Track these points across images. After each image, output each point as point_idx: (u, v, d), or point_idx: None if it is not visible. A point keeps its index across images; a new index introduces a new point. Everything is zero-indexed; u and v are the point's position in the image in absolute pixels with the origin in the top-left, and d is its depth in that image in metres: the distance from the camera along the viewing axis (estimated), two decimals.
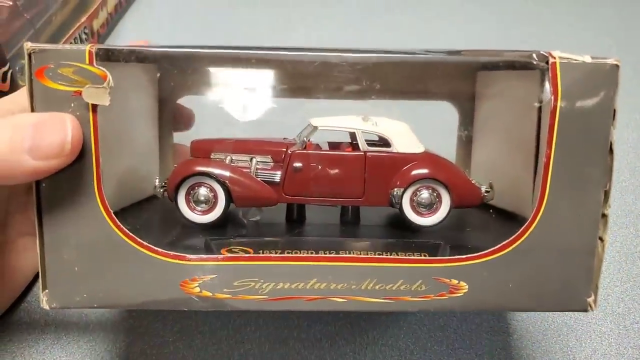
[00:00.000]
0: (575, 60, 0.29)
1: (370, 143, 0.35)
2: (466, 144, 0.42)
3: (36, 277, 0.39)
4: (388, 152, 0.35)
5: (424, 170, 0.34)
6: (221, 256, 0.30)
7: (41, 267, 0.29)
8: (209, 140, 0.37)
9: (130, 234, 0.29)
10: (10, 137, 0.27)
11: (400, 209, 0.34)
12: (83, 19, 0.63)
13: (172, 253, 0.29)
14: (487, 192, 0.35)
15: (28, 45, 0.28)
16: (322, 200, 0.35)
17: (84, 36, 0.65)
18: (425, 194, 0.34)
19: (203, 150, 0.36)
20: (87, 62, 0.28)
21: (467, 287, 0.30)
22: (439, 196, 0.35)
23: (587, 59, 0.29)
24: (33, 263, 0.37)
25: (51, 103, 0.28)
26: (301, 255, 0.30)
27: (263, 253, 0.32)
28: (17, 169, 0.27)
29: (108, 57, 0.29)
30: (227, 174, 0.34)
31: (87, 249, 0.29)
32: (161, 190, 0.35)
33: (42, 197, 0.29)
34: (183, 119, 0.40)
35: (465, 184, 0.35)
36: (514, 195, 0.36)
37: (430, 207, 0.35)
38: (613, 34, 0.76)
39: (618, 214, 0.29)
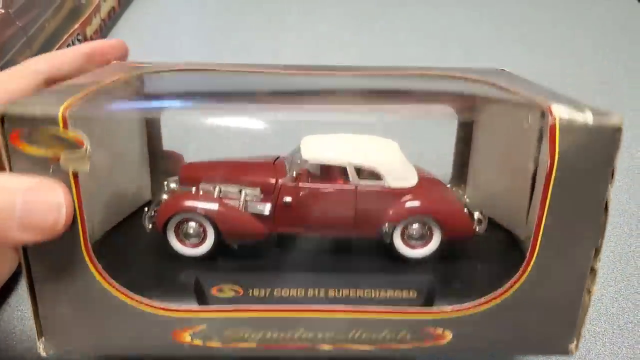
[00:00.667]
0: (576, 121, 0.27)
1: (362, 173, 0.34)
2: (464, 146, 0.41)
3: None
4: (379, 187, 0.34)
5: (415, 205, 0.34)
6: (212, 308, 0.31)
7: (35, 317, 0.30)
8: (197, 166, 0.36)
9: (122, 288, 0.30)
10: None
11: (391, 242, 0.34)
12: (76, 26, 0.63)
13: (162, 306, 0.30)
14: (479, 221, 0.35)
15: None
16: (312, 232, 0.35)
17: (77, 43, 0.64)
18: (416, 229, 0.34)
19: (192, 178, 0.35)
20: (61, 127, 0.27)
21: (451, 335, 0.31)
22: (430, 230, 0.34)
23: (589, 118, 0.27)
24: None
25: (29, 167, 0.27)
26: (288, 307, 0.31)
27: (252, 294, 0.33)
28: (3, 238, 0.27)
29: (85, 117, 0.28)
30: (214, 209, 0.34)
31: (79, 304, 0.30)
32: (150, 225, 0.34)
33: (30, 254, 0.29)
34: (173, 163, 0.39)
35: (457, 218, 0.34)
36: (508, 209, 0.36)
37: (421, 240, 0.35)
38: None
39: (612, 214, 0.28)
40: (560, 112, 0.27)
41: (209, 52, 0.74)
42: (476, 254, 0.35)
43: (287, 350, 0.31)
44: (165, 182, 0.37)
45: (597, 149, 0.28)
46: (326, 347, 0.31)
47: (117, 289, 0.30)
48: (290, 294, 0.33)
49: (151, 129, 0.41)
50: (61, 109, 0.27)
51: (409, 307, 0.31)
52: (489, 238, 0.35)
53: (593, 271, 0.30)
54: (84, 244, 0.29)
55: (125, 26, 0.79)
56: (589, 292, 0.31)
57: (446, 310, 0.31)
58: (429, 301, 0.33)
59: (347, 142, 0.36)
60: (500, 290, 0.30)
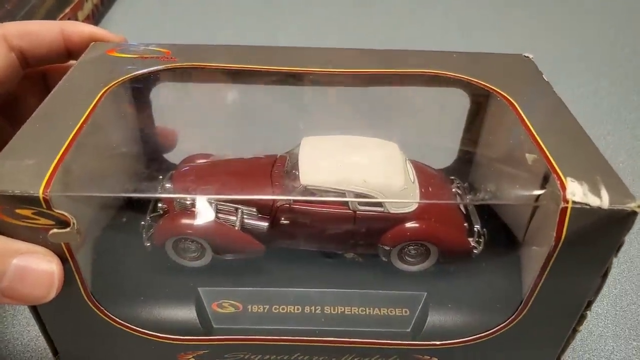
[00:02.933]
0: (590, 206, 0.25)
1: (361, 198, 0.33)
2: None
3: None
4: (378, 212, 0.33)
5: (414, 231, 0.33)
6: (213, 337, 0.32)
7: (46, 340, 0.32)
8: (192, 175, 0.35)
9: (124, 323, 0.31)
10: None
11: (388, 261, 0.35)
12: (66, 10, 0.61)
13: (166, 336, 0.32)
14: (477, 243, 0.35)
15: None
16: (308, 248, 0.35)
17: None
18: (413, 250, 0.34)
19: (187, 188, 0.34)
20: (45, 207, 0.25)
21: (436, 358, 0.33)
22: (427, 250, 0.34)
23: (605, 202, 0.25)
24: None
25: (18, 236, 0.27)
26: (285, 337, 0.32)
27: (251, 310, 0.34)
28: None
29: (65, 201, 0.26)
30: (211, 231, 0.33)
31: (87, 335, 0.32)
32: (148, 244, 0.34)
33: None
34: (167, 140, 0.37)
35: (455, 241, 0.34)
36: (510, 210, 0.36)
37: (418, 258, 0.35)
38: None
39: None
40: (575, 193, 0.26)
41: (204, 36, 0.72)
42: (470, 271, 0.35)
43: None
44: (161, 183, 0.36)
45: (609, 228, 0.26)
46: None
47: (119, 324, 0.31)
48: (288, 311, 0.34)
49: (141, 107, 0.38)
50: (41, 189, 0.25)
51: (400, 340, 0.33)
52: (485, 253, 0.35)
53: (583, 317, 0.31)
54: (85, 294, 0.29)
55: (120, 11, 0.76)
56: (576, 331, 0.32)
57: (435, 344, 0.32)
58: (420, 317, 0.34)
59: (346, 157, 0.34)
60: (489, 331, 0.31)
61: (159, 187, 0.36)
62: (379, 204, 0.33)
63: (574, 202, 0.25)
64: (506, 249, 0.35)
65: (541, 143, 0.28)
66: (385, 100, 0.40)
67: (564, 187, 0.26)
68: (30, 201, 0.25)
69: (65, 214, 0.25)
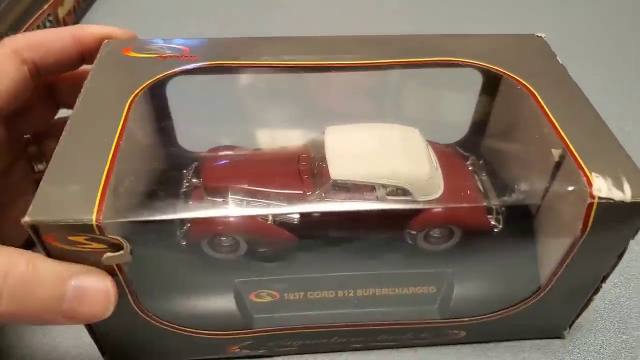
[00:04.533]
0: (614, 198, 0.27)
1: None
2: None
3: None
4: (406, 201, 0.34)
5: (440, 216, 0.35)
6: (256, 329, 0.34)
7: (96, 343, 0.34)
8: (221, 174, 0.36)
9: (173, 325, 0.32)
10: (50, 295, 0.27)
11: (414, 243, 0.36)
12: (45, 7, 0.59)
13: (211, 332, 0.33)
14: (497, 219, 0.36)
15: (26, 218, 0.25)
16: (338, 236, 0.36)
17: (47, 24, 0.58)
18: (438, 232, 0.36)
19: (216, 188, 0.35)
20: (98, 233, 0.26)
21: (465, 334, 0.36)
22: (451, 231, 0.36)
23: (628, 196, 0.27)
24: None
25: (70, 260, 0.27)
26: (323, 325, 0.34)
27: (287, 297, 0.36)
28: (46, 322, 0.28)
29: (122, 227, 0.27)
30: (245, 228, 0.35)
31: (136, 339, 0.33)
32: (184, 243, 0.35)
33: None
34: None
35: (477, 221, 0.36)
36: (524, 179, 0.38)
37: (442, 239, 0.36)
38: None
39: None
40: (601, 189, 0.27)
41: (194, 31, 0.69)
42: (490, 247, 0.37)
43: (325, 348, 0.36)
44: (187, 177, 0.37)
45: (629, 217, 0.28)
46: (357, 346, 0.36)
47: (169, 326, 0.32)
48: (322, 296, 0.36)
49: (159, 104, 0.38)
50: (94, 217, 0.26)
51: (429, 316, 0.35)
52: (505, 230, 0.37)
53: (598, 288, 0.33)
54: (134, 302, 0.30)
55: (104, 7, 0.72)
56: (591, 300, 0.34)
57: (463, 320, 0.35)
58: (447, 293, 0.37)
59: (372, 147, 0.35)
60: (509, 307, 0.34)
61: (184, 182, 0.37)
62: (407, 193, 0.34)
63: (599, 198, 0.27)
64: (522, 224, 0.37)
65: (565, 137, 0.30)
66: (398, 82, 0.40)
67: (590, 184, 0.27)
68: (83, 229, 0.26)
69: (119, 238, 0.26)
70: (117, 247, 0.27)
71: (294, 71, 0.36)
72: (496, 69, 0.35)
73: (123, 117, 0.31)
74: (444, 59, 0.36)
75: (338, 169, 0.34)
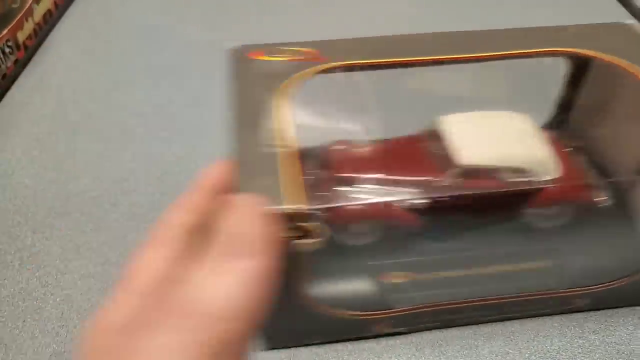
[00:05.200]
0: None
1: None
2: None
3: None
4: (526, 182, 0.37)
5: (556, 196, 0.38)
6: (394, 310, 0.37)
7: None
8: (349, 163, 0.38)
9: (328, 309, 0.35)
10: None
11: (530, 221, 0.39)
12: (4, 32, 0.59)
13: (359, 312, 0.36)
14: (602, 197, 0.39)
15: None
16: (460, 219, 0.39)
17: (7, 49, 0.60)
18: (551, 211, 0.39)
19: (350, 180, 0.37)
20: (303, 222, 0.28)
21: (588, 300, 0.39)
22: (564, 209, 0.39)
23: None
24: None
25: None
26: (456, 301, 0.37)
27: (420, 278, 0.39)
28: None
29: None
30: (378, 214, 0.37)
31: (293, 323, 0.36)
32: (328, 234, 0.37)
33: None
34: None
35: (586, 198, 0.39)
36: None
37: (555, 215, 0.40)
38: None
39: None
40: None
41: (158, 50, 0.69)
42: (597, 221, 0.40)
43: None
44: (314, 172, 0.39)
45: None
46: (483, 318, 0.39)
47: (325, 311, 0.35)
48: (450, 276, 0.39)
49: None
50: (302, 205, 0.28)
51: (554, 291, 0.38)
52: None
53: None
54: (301, 291, 0.33)
55: (66, 29, 0.72)
56: None
57: (590, 287, 0.38)
58: (562, 267, 0.40)
59: (491, 132, 0.38)
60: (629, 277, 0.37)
61: (313, 178, 0.39)
62: (529, 174, 0.37)
63: None
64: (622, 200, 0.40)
65: None
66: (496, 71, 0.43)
67: None
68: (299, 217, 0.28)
69: (314, 225, 0.29)
70: (312, 235, 0.29)
71: (419, 65, 0.38)
72: (595, 56, 0.38)
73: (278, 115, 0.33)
74: (540, 50, 0.38)
75: (466, 155, 0.37)
